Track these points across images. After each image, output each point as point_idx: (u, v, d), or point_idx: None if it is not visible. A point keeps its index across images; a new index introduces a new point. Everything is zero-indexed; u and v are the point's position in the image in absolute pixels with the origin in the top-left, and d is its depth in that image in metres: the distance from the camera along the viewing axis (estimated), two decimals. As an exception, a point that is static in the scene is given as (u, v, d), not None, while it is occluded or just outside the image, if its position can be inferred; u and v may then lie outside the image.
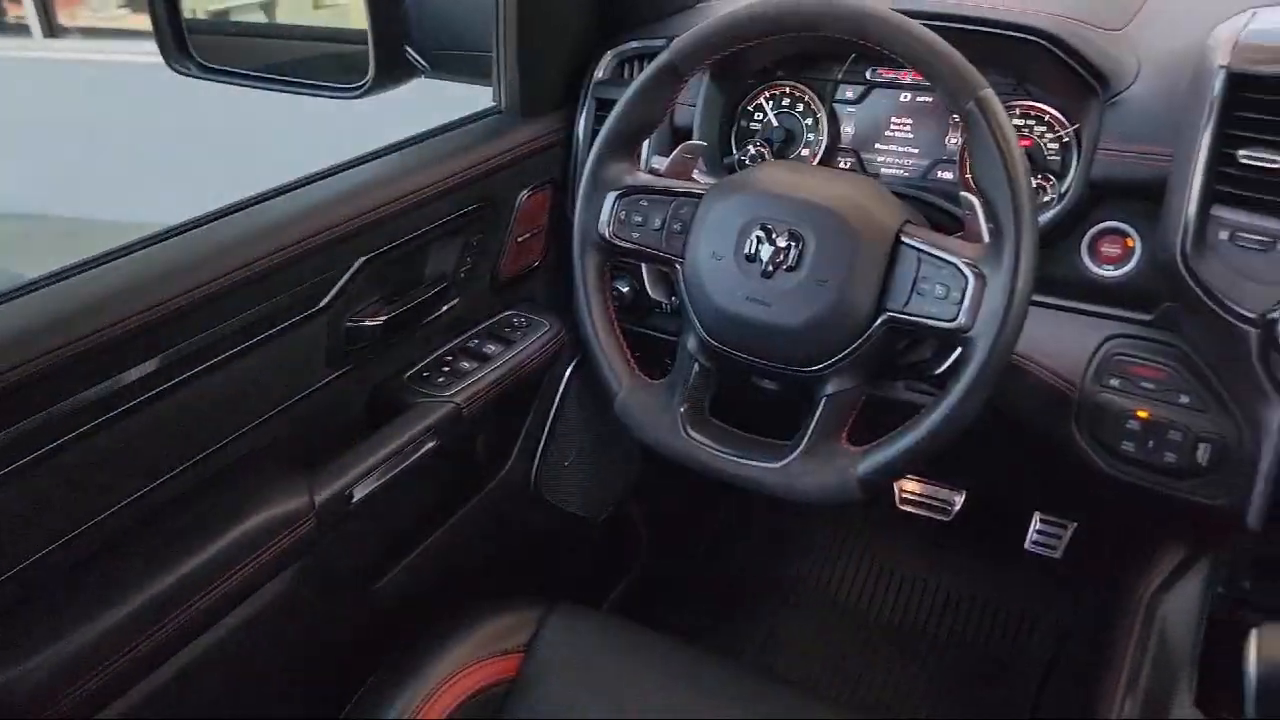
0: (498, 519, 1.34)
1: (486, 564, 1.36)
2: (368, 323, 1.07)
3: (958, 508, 1.71)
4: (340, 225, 1.00)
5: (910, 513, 1.75)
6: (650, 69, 1.00)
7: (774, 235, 0.95)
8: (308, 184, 1.04)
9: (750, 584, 1.80)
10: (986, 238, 0.90)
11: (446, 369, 1.19)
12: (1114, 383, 1.04)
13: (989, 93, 0.88)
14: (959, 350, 0.91)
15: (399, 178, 1.09)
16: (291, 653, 1.07)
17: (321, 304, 1.00)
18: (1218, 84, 0.93)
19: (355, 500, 1.03)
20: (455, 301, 1.20)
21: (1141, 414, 1.02)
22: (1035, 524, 1.68)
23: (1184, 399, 1.01)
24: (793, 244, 0.94)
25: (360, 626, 1.16)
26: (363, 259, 1.04)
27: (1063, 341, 1.07)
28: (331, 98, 1.30)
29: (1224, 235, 0.95)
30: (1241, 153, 0.92)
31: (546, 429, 1.38)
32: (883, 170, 1.23)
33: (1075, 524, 1.63)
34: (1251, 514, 0.97)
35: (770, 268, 0.95)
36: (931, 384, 1.06)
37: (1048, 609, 1.65)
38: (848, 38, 0.93)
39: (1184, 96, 0.98)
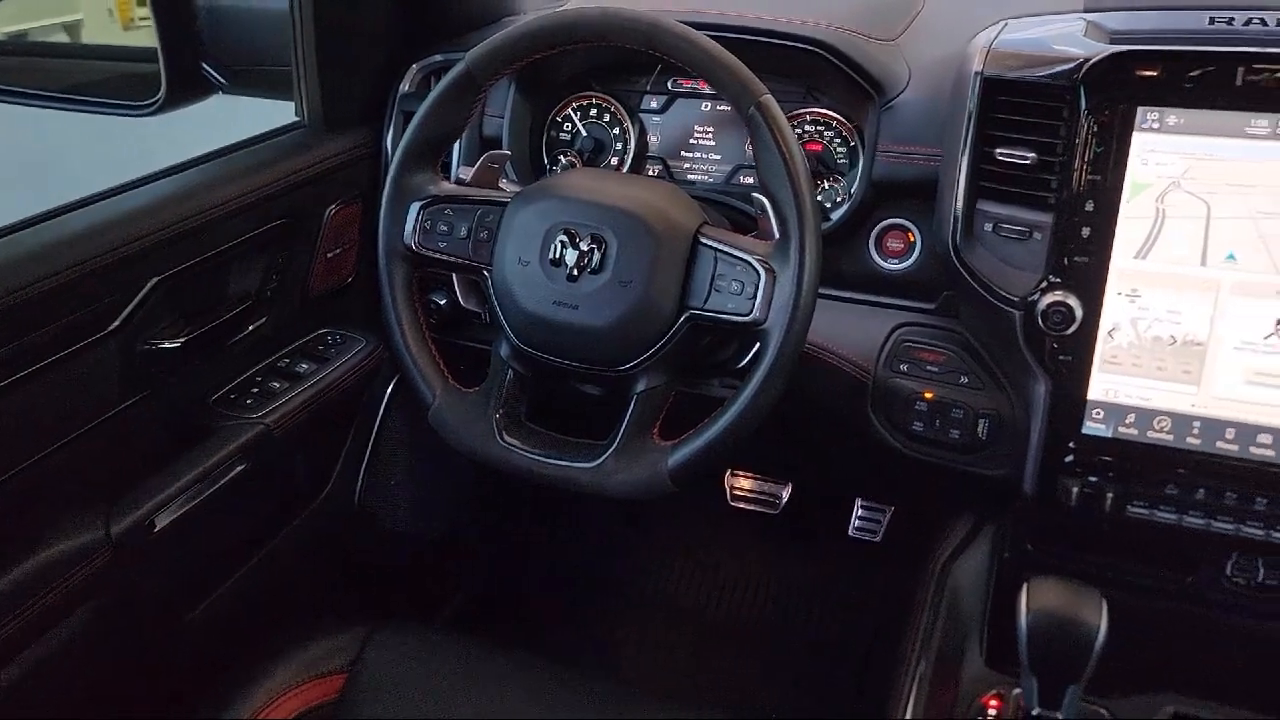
0: (321, 540, 1.31)
1: (312, 587, 1.33)
2: (166, 345, 1.03)
3: (785, 500, 1.78)
4: (129, 244, 0.96)
5: (741, 508, 1.81)
6: (446, 79, 1.01)
7: (577, 239, 0.97)
8: (95, 202, 0.99)
9: (591, 591, 1.81)
10: (777, 235, 0.95)
11: (256, 390, 1.16)
12: (903, 367, 1.11)
13: (769, 98, 0.93)
14: (758, 343, 0.96)
15: (195, 194, 1.06)
16: (97, 692, 1.01)
17: (111, 326, 0.96)
18: (974, 88, 1.01)
19: (158, 529, 0.99)
20: (263, 320, 1.17)
21: (928, 395, 1.09)
22: (857, 510, 1.76)
23: (964, 379, 1.09)
24: (596, 247, 0.97)
25: (175, 659, 1.11)
26: (156, 279, 1.00)
27: (857, 332, 1.14)
28: (122, 116, 1.25)
29: (989, 227, 1.03)
30: (999, 151, 1.01)
31: (369, 447, 1.36)
32: (689, 176, 1.28)
33: (893, 508, 1.73)
34: (1027, 481, 1.05)
35: (575, 271, 0.97)
36: (738, 378, 1.11)
37: (871, 589, 1.73)
38: (637, 48, 0.96)
39: (949, 101, 1.06)
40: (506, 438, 1.02)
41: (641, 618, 1.76)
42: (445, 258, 1.04)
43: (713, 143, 1.27)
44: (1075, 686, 0.85)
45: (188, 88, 1.24)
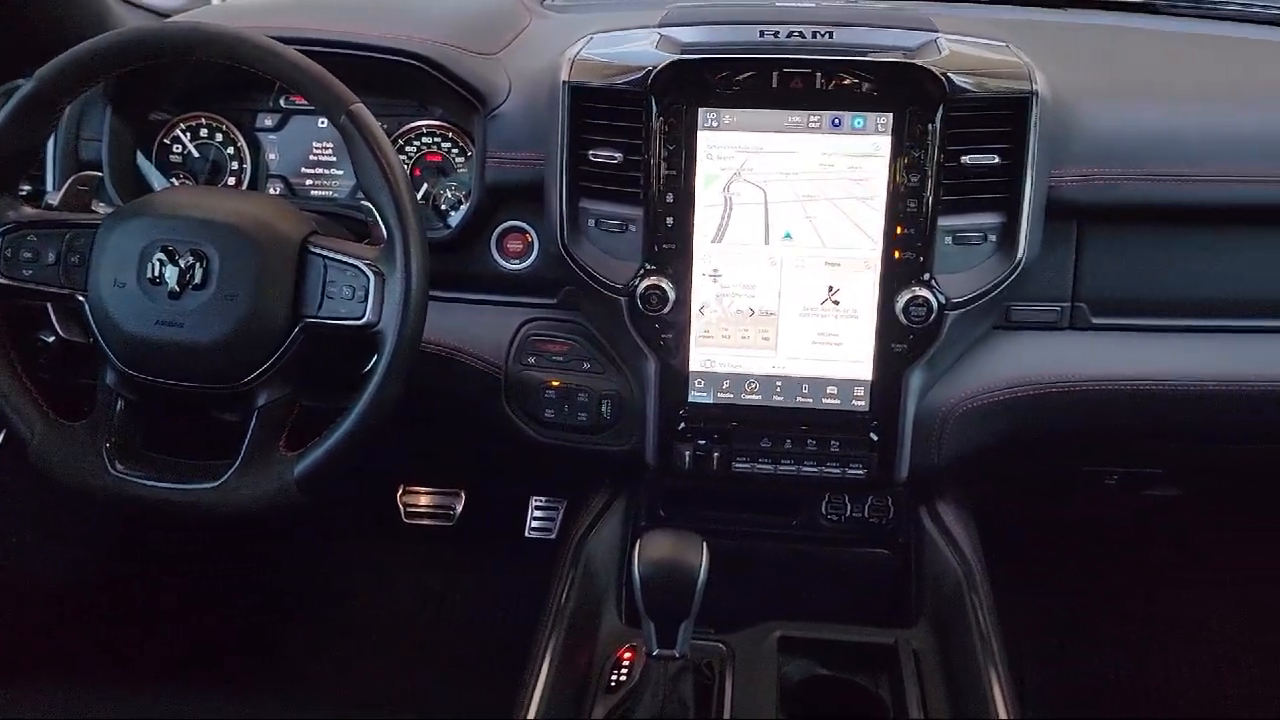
0: None
1: None
2: None
3: (460, 510, 1.81)
4: None
5: (418, 524, 1.81)
6: (15, 98, 0.96)
7: (176, 256, 0.95)
8: None
9: (272, 624, 1.74)
10: (386, 239, 0.98)
11: None
12: (531, 360, 1.18)
13: (359, 107, 0.96)
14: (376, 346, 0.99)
15: None
16: None
17: None
18: (563, 96, 1.10)
19: None
20: None
21: (554, 383, 1.17)
22: (533, 510, 1.82)
23: (586, 365, 1.17)
24: (197, 263, 0.95)
25: None
26: None
27: (486, 330, 1.20)
28: None
29: (591, 223, 1.13)
30: (591, 153, 1.10)
31: None
32: (314, 193, 1.28)
33: (566, 502, 1.80)
34: (648, 451, 1.16)
35: (177, 288, 0.95)
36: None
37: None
38: (222, 62, 0.96)
39: (545, 108, 1.14)
40: (118, 467, 0.97)
41: (323, 641, 1.71)
42: (33, 287, 0.98)
43: (334, 158, 1.28)
44: (686, 623, 0.95)
45: None
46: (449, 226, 1.21)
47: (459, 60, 1.18)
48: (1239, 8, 1.50)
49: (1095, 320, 1.16)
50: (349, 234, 1.16)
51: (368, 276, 0.96)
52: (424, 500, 1.82)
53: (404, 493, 1.81)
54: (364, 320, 0.96)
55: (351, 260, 0.97)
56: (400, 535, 1.80)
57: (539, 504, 1.82)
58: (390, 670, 1.64)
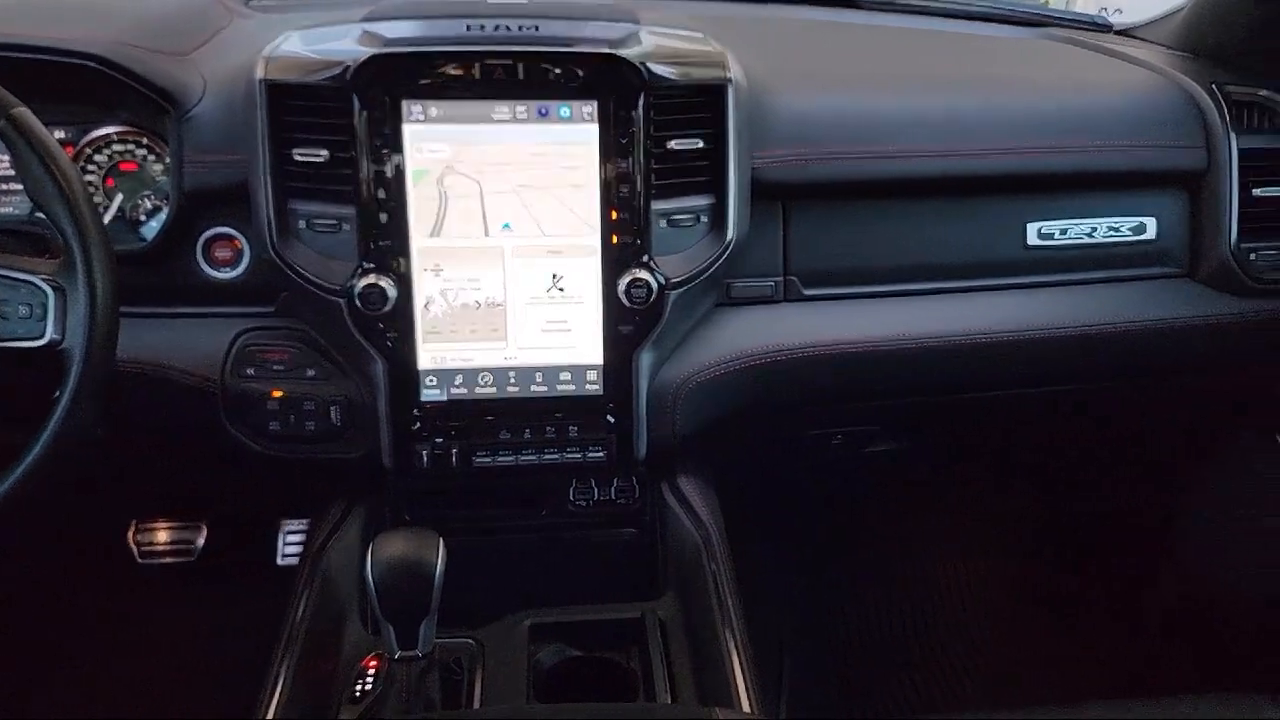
0: None
1: None
2: None
3: (201, 544, 1.70)
4: None
5: (155, 564, 1.68)
6: None
7: None
8: None
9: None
10: (65, 251, 0.90)
11: None
12: (250, 371, 1.12)
13: (22, 111, 0.88)
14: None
15: None
16: None
17: None
18: (260, 95, 1.05)
19: None
20: None
21: (277, 393, 1.12)
22: (284, 534, 1.73)
23: (311, 373, 1.13)
24: None
25: None
26: None
27: (198, 345, 1.13)
28: None
29: (303, 224, 1.09)
30: (296, 151, 1.06)
31: None
32: (-11, 210, 1.16)
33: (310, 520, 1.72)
34: (384, 455, 1.13)
35: None
36: None
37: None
38: None
39: (244, 108, 1.09)
40: None
41: (54, 697, 1.56)
42: None
43: (11, 172, 1.16)
44: (427, 621, 0.93)
45: None
46: (144, 239, 1.13)
47: (142, 61, 1.10)
48: (935, 3, 1.65)
49: (806, 292, 1.24)
50: (32, 253, 1.06)
51: (46, 293, 0.89)
52: (161, 536, 1.69)
53: (137, 530, 1.67)
54: (46, 340, 0.88)
55: (25, 276, 0.89)
56: (135, 576, 1.66)
57: (291, 528, 1.73)
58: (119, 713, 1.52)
